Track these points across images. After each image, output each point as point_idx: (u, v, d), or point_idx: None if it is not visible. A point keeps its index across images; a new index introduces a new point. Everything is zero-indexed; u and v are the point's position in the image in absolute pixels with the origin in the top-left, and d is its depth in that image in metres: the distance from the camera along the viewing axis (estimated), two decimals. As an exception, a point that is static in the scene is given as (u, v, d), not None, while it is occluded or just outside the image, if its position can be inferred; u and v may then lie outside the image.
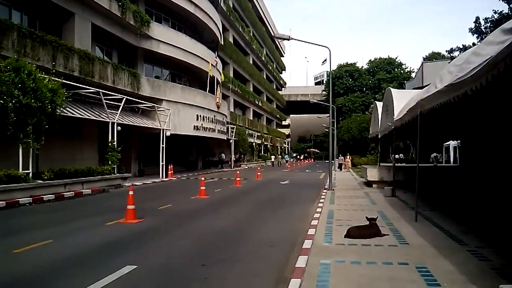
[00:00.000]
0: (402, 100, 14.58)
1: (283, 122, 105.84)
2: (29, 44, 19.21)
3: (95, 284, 6.08)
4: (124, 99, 24.58)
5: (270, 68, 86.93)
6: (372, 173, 22.78)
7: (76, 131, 24.77)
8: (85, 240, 9.32)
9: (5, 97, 15.14)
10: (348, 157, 42.96)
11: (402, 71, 75.90)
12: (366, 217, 9.53)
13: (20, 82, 15.51)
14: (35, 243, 8.67)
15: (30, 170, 16.93)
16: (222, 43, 48.32)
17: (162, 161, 29.44)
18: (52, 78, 17.55)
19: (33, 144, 16.56)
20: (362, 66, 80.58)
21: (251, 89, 69.13)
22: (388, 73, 75.14)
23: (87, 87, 22.23)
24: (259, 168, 39.23)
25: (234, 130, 50.15)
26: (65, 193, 17.85)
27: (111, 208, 14.23)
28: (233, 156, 50.54)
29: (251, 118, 69.03)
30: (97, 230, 10.43)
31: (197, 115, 36.45)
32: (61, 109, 18.06)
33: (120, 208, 12.73)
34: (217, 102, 41.41)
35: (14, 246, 8.35)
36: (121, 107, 24.26)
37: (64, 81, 18.67)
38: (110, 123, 23.38)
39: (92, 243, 8.99)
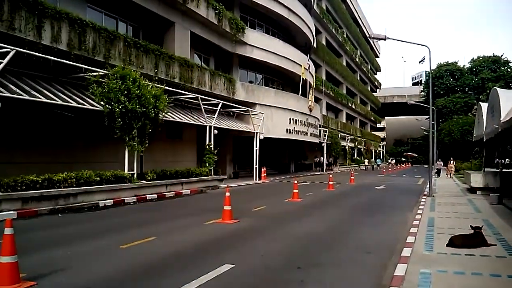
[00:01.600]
0: (510, 101, 13.55)
1: (377, 124, 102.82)
2: (134, 53, 20.57)
3: (196, 280, 6.35)
4: (220, 104, 25.43)
5: (364, 69, 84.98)
6: (476, 179, 21.38)
7: (177, 134, 26.11)
8: (185, 238, 9.77)
9: (113, 103, 16.36)
10: (451, 162, 40.43)
11: (509, 69, 70.27)
12: (471, 226, 8.96)
13: (126, 89, 16.65)
14: (140, 240, 9.24)
15: (135, 171, 18.10)
16: (315, 45, 48.14)
17: (256, 164, 29.96)
18: (155, 84, 18.64)
19: (138, 146, 17.69)
20: (464, 65, 75.78)
21: (344, 92, 68.08)
22: (493, 72, 69.85)
23: (187, 92, 23.39)
24: (352, 172, 38.48)
25: (327, 133, 49.69)
26: (166, 193, 18.88)
27: (209, 208, 14.76)
28: (325, 159, 50.11)
29: (344, 121, 67.94)
30: (197, 229, 10.88)
31: (290, 119, 36.64)
32: (163, 113, 19.14)
33: (217, 208, 13.16)
34: (310, 105, 41.30)
35: (121, 242, 8.96)
36: (217, 112, 25.12)
37: (166, 87, 19.74)
38: (207, 126, 24.31)
39: (192, 241, 9.40)
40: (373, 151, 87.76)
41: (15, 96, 13.83)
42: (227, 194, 12.20)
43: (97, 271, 6.94)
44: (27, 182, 13.18)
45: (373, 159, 74.97)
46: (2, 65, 13.08)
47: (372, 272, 7.10)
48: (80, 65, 16.46)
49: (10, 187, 12.70)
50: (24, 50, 14.14)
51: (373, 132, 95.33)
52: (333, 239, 10.01)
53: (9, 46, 13.37)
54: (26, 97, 14.21)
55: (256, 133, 30.15)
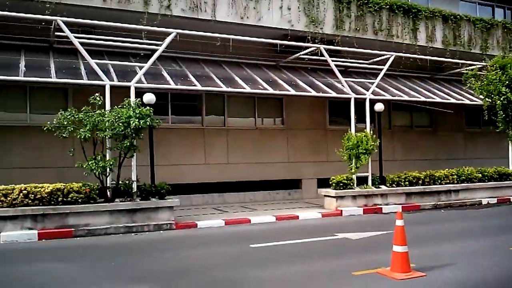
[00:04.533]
0: None
1: None
2: (515, 38, 18.83)
3: None
4: None
5: None
6: None
7: None
8: None
9: (493, 96, 15.37)
10: None
11: None
12: None
13: (507, 79, 15.32)
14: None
15: (522, 168, 16.43)
16: None
17: None
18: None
19: (522, 140, 16.01)
20: None
21: None
22: None
23: None
24: None
25: None
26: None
27: None
28: None
29: None
30: None
31: None
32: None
33: None
34: None
35: (510, 244, 8.33)
36: None
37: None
38: None
39: None
40: None
41: (396, 98, 14.97)
42: None
43: (484, 270, 6.66)
44: (410, 178, 13.94)
45: None
46: (383, 71, 14.40)
47: None
48: (456, 61, 16.34)
49: (394, 183, 13.74)
50: (401, 54, 15.11)
51: None
52: None
53: (388, 53, 14.62)
54: (406, 97, 15.14)
55: None
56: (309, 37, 14.42)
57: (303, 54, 14.30)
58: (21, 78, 10.52)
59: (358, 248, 8.39)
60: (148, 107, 10.39)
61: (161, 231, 10.24)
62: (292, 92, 13.40)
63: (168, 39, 11.47)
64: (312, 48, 13.76)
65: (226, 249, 8.48)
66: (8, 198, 9.19)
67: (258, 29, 13.82)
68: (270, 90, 13.10)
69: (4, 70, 10.52)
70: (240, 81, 13.14)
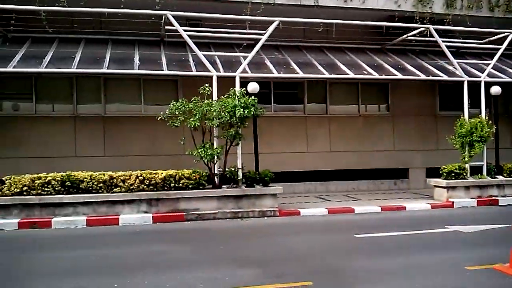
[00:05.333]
0: None
1: None
2: None
3: None
4: None
5: None
6: None
7: None
8: None
9: None
10: None
11: None
12: None
13: None
14: None
15: None
16: None
17: None
18: None
19: None
20: None
21: None
22: None
23: None
24: None
25: None
26: None
27: None
28: None
29: None
30: None
31: None
32: None
33: None
34: None
35: None
36: None
37: None
38: None
39: None
40: None
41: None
42: None
43: None
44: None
45: None
46: (500, 51, 13.28)
47: None
48: None
49: (515, 172, 12.71)
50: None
51: None
52: None
53: (507, 30, 13.46)
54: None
55: None
56: (417, 18, 13.68)
57: (410, 36, 13.63)
58: (136, 71, 11.28)
59: (471, 242, 7.88)
60: (252, 97, 10.61)
61: (265, 218, 10.45)
62: (399, 76, 12.83)
63: (271, 28, 11.55)
64: (421, 29, 13.06)
65: (329, 238, 8.43)
66: (126, 184, 9.98)
67: (362, 11, 13.41)
68: (375, 75, 12.67)
69: (120, 64, 11.38)
70: (343, 67, 12.88)
